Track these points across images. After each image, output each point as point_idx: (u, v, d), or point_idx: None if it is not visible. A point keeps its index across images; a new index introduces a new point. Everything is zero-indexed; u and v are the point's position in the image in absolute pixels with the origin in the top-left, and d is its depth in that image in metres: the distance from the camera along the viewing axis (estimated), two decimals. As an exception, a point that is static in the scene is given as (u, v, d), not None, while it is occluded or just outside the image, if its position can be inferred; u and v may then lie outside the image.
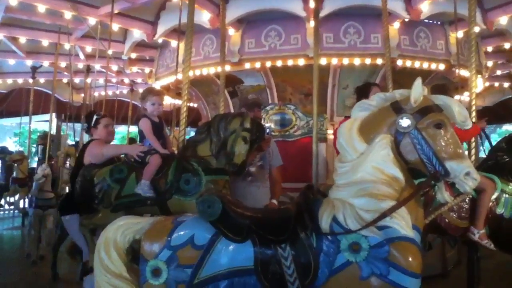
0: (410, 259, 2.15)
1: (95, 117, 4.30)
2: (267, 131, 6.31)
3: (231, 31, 7.20)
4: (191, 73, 5.54)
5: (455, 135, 2.19)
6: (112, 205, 3.76)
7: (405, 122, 2.21)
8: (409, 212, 2.21)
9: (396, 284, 2.11)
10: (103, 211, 3.79)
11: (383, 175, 2.23)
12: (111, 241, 2.55)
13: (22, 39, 8.83)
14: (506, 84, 11.91)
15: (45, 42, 8.86)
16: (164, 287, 2.34)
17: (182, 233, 2.39)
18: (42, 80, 11.46)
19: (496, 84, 12.06)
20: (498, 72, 11.00)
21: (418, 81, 2.20)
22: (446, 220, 4.05)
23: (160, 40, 8.29)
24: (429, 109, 2.20)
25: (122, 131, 17.01)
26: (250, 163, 4.02)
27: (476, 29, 6.25)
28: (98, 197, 3.83)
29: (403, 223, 2.17)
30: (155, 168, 3.68)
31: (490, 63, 9.68)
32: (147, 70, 10.33)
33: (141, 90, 10.93)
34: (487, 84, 10.77)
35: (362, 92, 4.66)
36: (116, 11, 6.97)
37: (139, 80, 11.59)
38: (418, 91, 2.20)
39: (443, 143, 2.16)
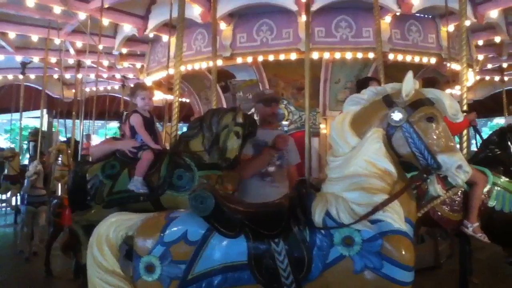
0: (403, 252, 2.15)
1: (124, 113, 4.28)
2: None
3: (222, 25, 7.18)
4: (182, 68, 5.52)
5: (446, 129, 2.19)
6: (104, 202, 3.74)
7: (396, 115, 2.21)
8: (402, 206, 2.21)
9: (389, 278, 2.12)
10: (96, 208, 3.77)
11: (376, 169, 2.23)
12: (103, 237, 2.53)
13: (11, 34, 8.75)
14: (496, 78, 11.99)
15: (34, 37, 8.79)
16: (158, 283, 2.32)
17: (175, 229, 2.38)
18: (32, 76, 11.37)
19: (487, 77, 12.15)
20: (489, 66, 11.08)
21: (410, 75, 2.20)
22: (439, 213, 4.08)
23: (151, 35, 8.26)
24: (420, 102, 2.20)
25: (113, 126, 16.94)
26: (269, 162, 3.93)
27: (467, 23, 6.28)
28: (91, 193, 3.80)
29: (395, 217, 2.17)
30: (147, 163, 3.66)
31: (480, 57, 9.73)
32: (138, 65, 10.29)
33: (132, 86, 10.88)
34: (477, 77, 10.85)
35: (361, 86, 4.67)
36: (106, 6, 6.93)
37: (130, 75, 11.54)
38: (409, 85, 2.20)
39: (434, 137, 2.16)
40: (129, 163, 3.76)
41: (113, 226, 2.54)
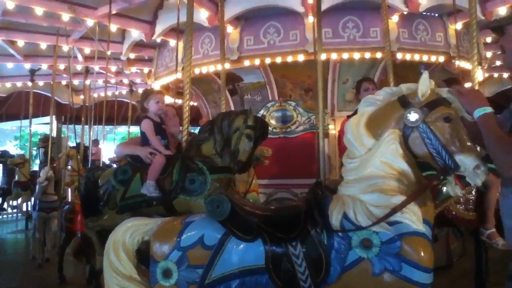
0: (422, 254, 2.14)
1: None
2: None
3: (229, 28, 7.19)
4: (190, 72, 5.53)
5: (464, 128, 2.17)
6: (117, 207, 3.75)
7: (413, 116, 2.19)
8: (420, 206, 2.20)
9: (408, 280, 2.11)
10: (109, 213, 3.79)
11: (392, 170, 2.22)
12: (120, 243, 2.54)
13: (20, 42, 8.84)
14: (505, 75, 11.90)
15: (43, 45, 8.87)
16: (175, 288, 2.33)
17: (191, 233, 2.38)
18: (41, 83, 11.46)
19: (496, 74, 12.06)
20: (497, 63, 11.00)
21: (425, 75, 2.19)
22: (453, 212, 4.05)
23: (158, 40, 8.28)
24: (437, 102, 2.18)
25: (122, 131, 17.01)
26: None
27: (475, 20, 6.24)
28: (103, 199, 3.82)
29: (414, 218, 2.16)
30: (159, 168, 3.66)
31: (489, 54, 9.66)
32: (146, 70, 10.32)
33: (140, 91, 10.94)
34: (486, 75, 10.77)
35: (356, 88, 4.79)
36: (113, 12, 6.96)
37: (138, 80, 11.59)
38: (425, 85, 2.18)
39: (452, 137, 2.15)
40: (140, 168, 3.76)
41: (129, 231, 2.55)
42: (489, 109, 2.02)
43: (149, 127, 3.82)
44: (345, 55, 7.01)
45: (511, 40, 2.04)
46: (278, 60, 7.10)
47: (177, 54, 7.27)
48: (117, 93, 11.55)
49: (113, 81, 11.16)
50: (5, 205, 12.06)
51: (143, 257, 2.58)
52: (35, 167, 12.28)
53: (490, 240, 3.92)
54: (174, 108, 4.68)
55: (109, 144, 15.70)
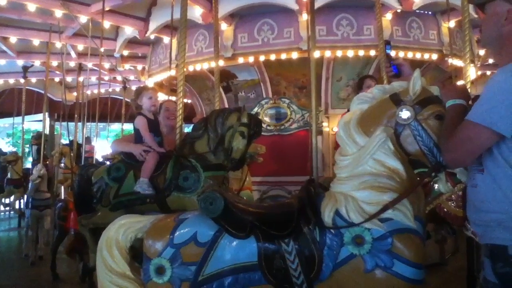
0: (414, 250, 2.16)
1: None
2: None
3: (223, 25, 7.17)
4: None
5: None
6: (110, 204, 3.75)
7: (405, 114, 2.21)
8: (411, 203, 2.21)
9: (400, 276, 2.12)
10: (102, 210, 3.79)
11: (384, 168, 2.23)
12: (113, 240, 2.55)
13: (13, 39, 8.76)
14: (498, 72, 11.95)
15: (36, 41, 8.79)
16: (168, 286, 2.34)
17: (184, 230, 2.39)
18: (33, 80, 11.39)
19: (488, 72, 12.12)
20: (490, 61, 11.05)
21: (417, 73, 2.20)
22: (445, 209, 4.08)
23: (152, 37, 8.25)
24: (429, 100, 2.20)
25: (115, 128, 16.96)
26: None
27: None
28: (97, 196, 3.82)
29: (405, 215, 2.17)
30: (153, 165, 3.67)
31: (482, 52, 9.70)
32: (139, 67, 10.28)
33: (134, 88, 10.91)
34: (479, 73, 10.82)
35: (357, 85, 4.76)
36: (107, 8, 6.92)
37: (131, 77, 11.54)
38: (417, 83, 2.20)
39: None
40: (134, 166, 3.77)
41: (122, 229, 2.56)
42: (459, 101, 2.01)
43: (142, 124, 3.82)
44: (339, 53, 7.01)
45: (488, 20, 2.00)
46: (272, 57, 7.09)
47: (171, 51, 7.26)
48: (110, 90, 11.51)
49: (106, 78, 11.10)
50: (-3, 203, 12.00)
51: (136, 254, 2.59)
52: (28, 165, 12.20)
53: (475, 236, 3.95)
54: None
55: (103, 142, 15.65)
